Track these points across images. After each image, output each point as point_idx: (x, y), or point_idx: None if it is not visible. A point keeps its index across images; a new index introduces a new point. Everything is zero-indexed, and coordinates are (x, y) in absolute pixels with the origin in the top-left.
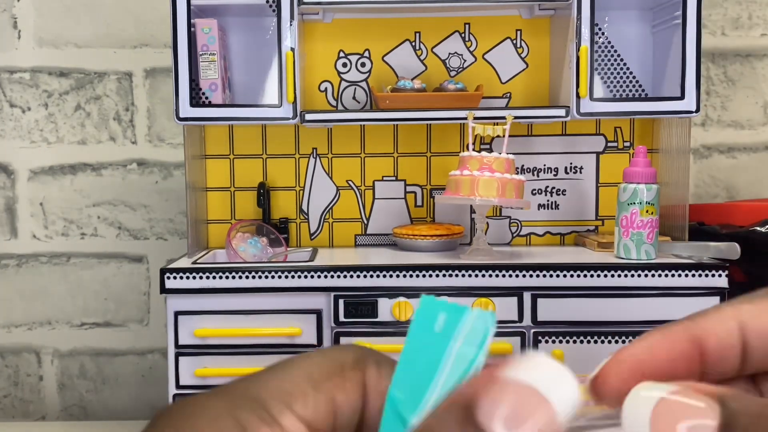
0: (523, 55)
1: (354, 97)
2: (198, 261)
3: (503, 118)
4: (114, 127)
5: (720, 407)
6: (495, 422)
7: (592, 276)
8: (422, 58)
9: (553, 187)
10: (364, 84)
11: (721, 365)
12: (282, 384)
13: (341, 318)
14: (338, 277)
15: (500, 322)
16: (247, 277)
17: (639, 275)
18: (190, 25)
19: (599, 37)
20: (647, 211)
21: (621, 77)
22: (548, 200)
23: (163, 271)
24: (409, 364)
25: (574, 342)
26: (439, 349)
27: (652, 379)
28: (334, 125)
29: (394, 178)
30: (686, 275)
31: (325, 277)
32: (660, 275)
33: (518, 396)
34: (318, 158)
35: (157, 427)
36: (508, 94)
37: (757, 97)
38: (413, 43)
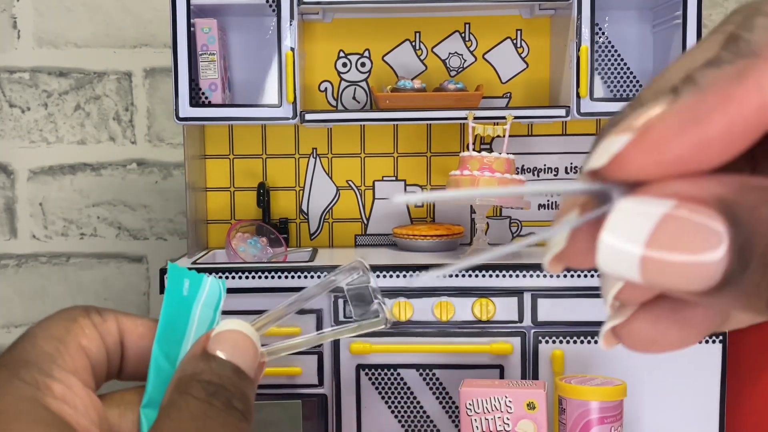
0: (523, 55)
1: (354, 97)
2: (198, 261)
3: (503, 118)
4: (114, 127)
5: (730, 228)
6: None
7: (592, 276)
8: (422, 58)
9: None
10: (364, 84)
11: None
12: (39, 348)
13: (341, 318)
14: None
15: (500, 322)
16: (246, 278)
17: None
18: (189, 25)
19: (599, 37)
20: None
21: (621, 77)
22: (548, 200)
23: (163, 272)
24: (166, 323)
25: (574, 342)
26: (186, 311)
27: (687, 169)
28: (334, 125)
29: (394, 178)
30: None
31: (325, 277)
32: None
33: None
34: (318, 158)
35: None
36: (508, 94)
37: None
38: (413, 43)
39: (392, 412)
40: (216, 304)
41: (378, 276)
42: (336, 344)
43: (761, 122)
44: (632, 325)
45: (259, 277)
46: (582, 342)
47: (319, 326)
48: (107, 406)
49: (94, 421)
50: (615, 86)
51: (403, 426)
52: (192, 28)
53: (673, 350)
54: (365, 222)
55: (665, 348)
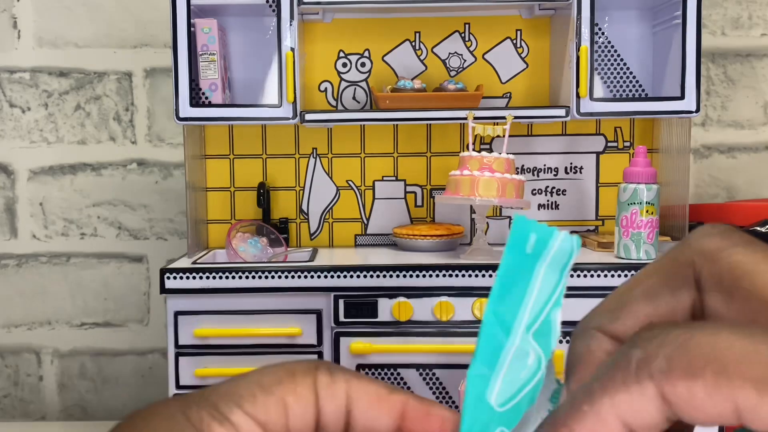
0: (523, 55)
1: (354, 97)
2: (198, 261)
3: (503, 118)
4: (114, 127)
5: None
6: None
7: (592, 276)
8: (422, 58)
9: (553, 187)
10: (364, 84)
11: None
12: (232, 388)
13: (341, 318)
14: (338, 277)
15: None
16: (247, 277)
17: None
18: (190, 25)
19: (599, 37)
20: (647, 211)
21: (621, 77)
22: (548, 200)
23: (163, 271)
24: (503, 282)
25: None
26: (528, 269)
27: None
28: (334, 125)
29: (394, 178)
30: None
31: (325, 277)
32: None
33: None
34: (318, 158)
35: (119, 427)
36: (508, 94)
37: (757, 97)
38: (413, 43)
39: None
40: (564, 265)
41: (378, 276)
42: (336, 344)
43: None
44: None
45: (259, 277)
46: None
47: (319, 326)
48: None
49: None
50: (615, 86)
51: None
52: (192, 28)
53: None
54: (365, 222)
55: None
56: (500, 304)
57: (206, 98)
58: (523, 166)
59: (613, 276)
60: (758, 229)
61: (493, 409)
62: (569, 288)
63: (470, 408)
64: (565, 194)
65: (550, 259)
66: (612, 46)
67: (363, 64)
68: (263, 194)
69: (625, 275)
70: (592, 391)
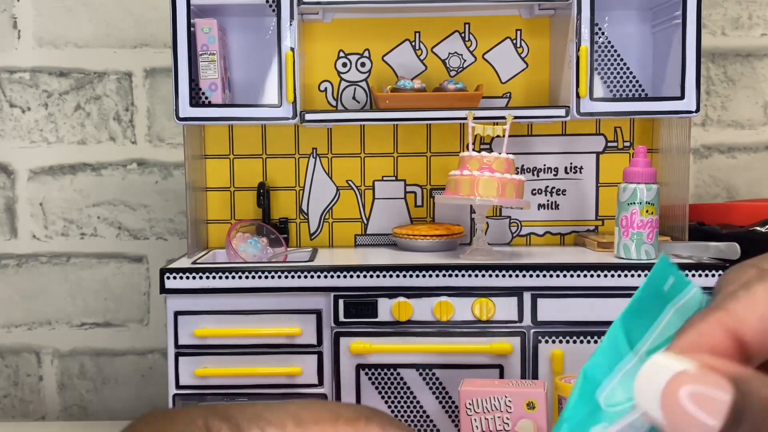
0: (523, 55)
1: (354, 97)
2: (198, 261)
3: (503, 118)
4: (114, 127)
5: (734, 390)
6: None
7: (592, 276)
8: (422, 58)
9: (553, 187)
10: (364, 84)
11: (764, 350)
12: (261, 412)
13: (341, 318)
14: (338, 277)
15: (500, 321)
16: (247, 277)
17: (639, 275)
18: (189, 25)
19: (599, 37)
20: (647, 211)
21: (621, 77)
22: (548, 200)
23: (163, 271)
24: (638, 305)
25: (574, 342)
26: (659, 306)
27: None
28: (334, 125)
29: (394, 178)
30: (686, 275)
31: (325, 277)
32: None
33: None
34: (318, 158)
35: (135, 427)
36: (508, 94)
37: (757, 97)
38: (413, 43)
39: (392, 411)
40: (688, 315)
41: (378, 276)
42: (336, 344)
43: (733, 346)
44: None
45: (259, 277)
46: (582, 342)
47: (319, 326)
48: None
49: None
50: (615, 86)
51: None
52: (192, 28)
53: None
54: (365, 222)
55: None
56: (630, 321)
57: (206, 98)
58: (522, 166)
59: (612, 276)
60: (758, 229)
61: (599, 407)
62: (569, 288)
63: (577, 399)
64: (564, 194)
65: (681, 305)
66: (612, 46)
67: (363, 64)
68: (263, 194)
69: (625, 275)
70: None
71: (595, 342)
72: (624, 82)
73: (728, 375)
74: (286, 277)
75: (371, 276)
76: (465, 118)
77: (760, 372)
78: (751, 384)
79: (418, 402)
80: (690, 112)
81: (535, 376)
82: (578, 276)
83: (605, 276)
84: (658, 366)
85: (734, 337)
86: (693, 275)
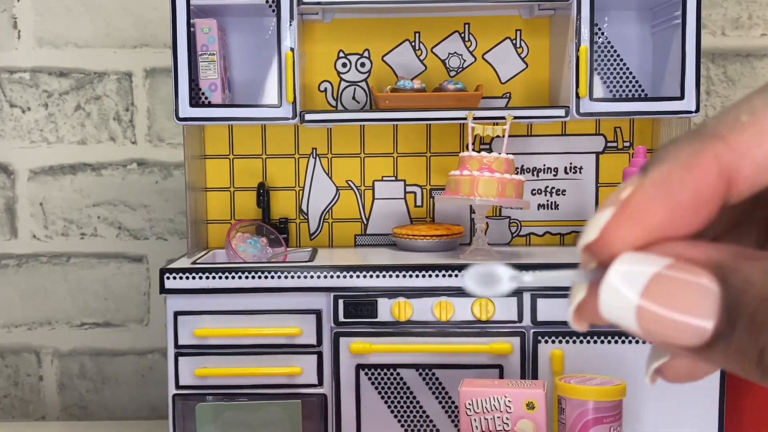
0: (522, 55)
1: (354, 97)
2: (198, 261)
3: (503, 118)
4: (114, 127)
5: (720, 286)
6: None
7: None
8: (422, 58)
9: (553, 187)
10: (363, 84)
11: (749, 190)
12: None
13: (341, 318)
14: (338, 277)
15: (500, 322)
16: (246, 277)
17: None
18: (189, 25)
19: (599, 37)
20: None
21: (621, 77)
22: (548, 200)
23: (163, 271)
24: None
25: (574, 342)
26: None
27: (672, 233)
28: (333, 125)
29: (393, 178)
30: None
31: (325, 277)
32: None
33: None
34: (318, 158)
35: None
36: (508, 94)
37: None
38: (413, 43)
39: (392, 411)
40: None
41: (378, 276)
42: (336, 344)
43: (721, 188)
44: (673, 364)
45: (259, 277)
46: (581, 342)
47: (318, 326)
48: None
49: None
50: (614, 86)
51: (402, 426)
52: (192, 28)
53: (707, 375)
54: (365, 222)
55: (701, 377)
56: None
57: (206, 98)
58: (522, 166)
59: None
60: None
61: None
62: (568, 288)
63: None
64: (564, 194)
65: None
66: (612, 46)
67: (363, 64)
68: (263, 194)
69: None
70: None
71: (595, 342)
72: (624, 82)
73: (712, 266)
74: (286, 277)
75: (371, 276)
76: (465, 118)
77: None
78: (741, 271)
79: (417, 402)
80: (690, 112)
81: (534, 376)
82: None
83: None
84: (625, 272)
85: (726, 177)
86: None
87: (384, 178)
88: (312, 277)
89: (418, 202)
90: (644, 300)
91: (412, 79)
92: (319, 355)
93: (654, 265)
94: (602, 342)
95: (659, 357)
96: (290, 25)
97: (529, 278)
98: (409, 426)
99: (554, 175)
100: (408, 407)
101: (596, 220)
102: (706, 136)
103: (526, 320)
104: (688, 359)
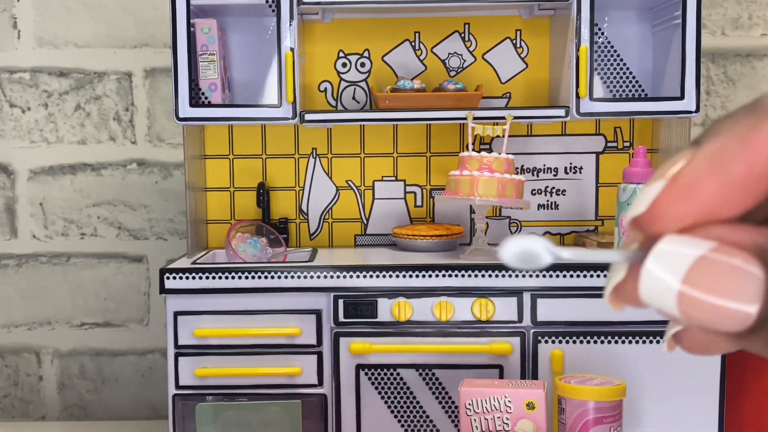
0: (522, 55)
1: (354, 97)
2: (198, 261)
3: (503, 118)
4: (114, 127)
5: (766, 273)
6: None
7: (592, 276)
8: (422, 58)
9: (553, 187)
10: (363, 84)
11: None
12: None
13: (341, 318)
14: (338, 277)
15: (500, 322)
16: (246, 277)
17: None
18: (189, 25)
19: (599, 37)
20: None
21: (621, 77)
22: (548, 200)
23: (163, 271)
24: None
25: (574, 342)
26: None
27: (724, 214)
28: (333, 125)
29: (393, 178)
30: None
31: (325, 277)
32: None
33: None
34: (318, 158)
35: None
36: (508, 94)
37: (757, 96)
38: (413, 43)
39: (392, 412)
40: None
41: (378, 276)
42: (335, 344)
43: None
44: (691, 333)
45: (259, 277)
46: (581, 342)
47: (318, 326)
48: None
49: None
50: (614, 86)
51: (402, 426)
52: (192, 28)
53: (724, 353)
54: (365, 222)
55: (717, 352)
56: None
57: (206, 98)
58: (522, 166)
59: None
60: None
61: None
62: (569, 288)
63: None
64: (564, 194)
65: None
66: (612, 46)
67: (363, 64)
68: (263, 194)
69: None
70: None
71: (595, 342)
72: (624, 82)
73: (756, 250)
74: (286, 277)
75: (371, 276)
76: (465, 118)
77: None
78: None
79: (417, 402)
80: (690, 112)
81: (534, 377)
82: (578, 276)
83: (605, 276)
84: (668, 254)
85: None
86: None
87: (384, 178)
88: (312, 277)
89: (418, 202)
90: (686, 285)
91: (412, 79)
92: (319, 355)
93: (698, 248)
94: (602, 342)
95: (678, 325)
96: (290, 25)
97: (568, 254)
98: (409, 426)
99: (554, 175)
100: (408, 407)
101: (646, 193)
102: (762, 111)
103: (526, 320)
104: (704, 333)
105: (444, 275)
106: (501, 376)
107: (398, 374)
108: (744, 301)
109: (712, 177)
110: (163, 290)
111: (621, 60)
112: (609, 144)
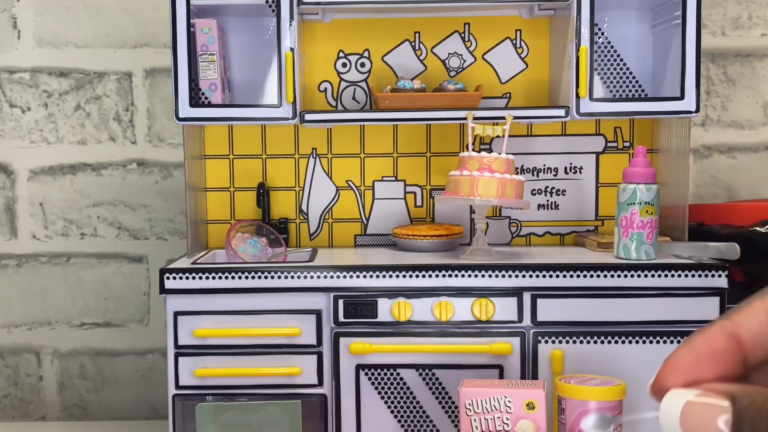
0: (522, 55)
1: (354, 97)
2: (197, 261)
3: (503, 118)
4: (114, 127)
5: (732, 404)
6: None
7: (591, 276)
8: (422, 58)
9: (553, 187)
10: (363, 84)
11: (759, 351)
12: None
13: (341, 318)
14: (338, 277)
15: (500, 322)
16: (246, 278)
17: (639, 275)
18: (189, 25)
19: (599, 37)
20: (647, 212)
21: (621, 77)
22: (548, 200)
23: (163, 272)
24: None
25: (574, 342)
26: None
27: (700, 376)
28: (333, 125)
29: (393, 178)
30: (686, 275)
31: (325, 277)
32: (660, 275)
33: None
34: (318, 158)
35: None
36: (508, 94)
37: (757, 97)
38: (413, 43)
39: (392, 412)
40: None
41: (378, 276)
42: (335, 344)
43: (733, 346)
44: None
45: (259, 277)
46: (581, 342)
47: (318, 326)
48: None
49: None
50: (614, 86)
51: (402, 426)
52: (192, 28)
53: None
54: (365, 222)
55: None
56: None
57: (206, 98)
58: (522, 166)
59: (612, 276)
60: (758, 229)
61: None
62: (569, 288)
63: None
64: (564, 194)
65: None
66: (612, 47)
67: (363, 64)
68: (263, 194)
69: (625, 276)
70: None
71: (595, 342)
72: (624, 82)
73: (725, 392)
74: (286, 277)
75: (371, 276)
76: (465, 119)
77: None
78: (744, 396)
79: (417, 402)
80: (690, 112)
81: (534, 377)
82: (578, 276)
83: (605, 276)
84: (671, 398)
85: (735, 339)
86: (693, 275)
87: (384, 178)
88: (312, 277)
89: (418, 202)
90: (684, 414)
91: (412, 79)
92: (319, 355)
93: (688, 395)
94: (602, 342)
95: None
96: (290, 25)
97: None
98: (409, 426)
99: (554, 175)
100: (408, 407)
101: (655, 371)
102: (719, 319)
103: (526, 320)
104: None
105: (444, 275)
106: (501, 376)
107: (398, 374)
108: (719, 425)
109: (687, 354)
110: (163, 290)
111: (621, 60)
112: (609, 144)
